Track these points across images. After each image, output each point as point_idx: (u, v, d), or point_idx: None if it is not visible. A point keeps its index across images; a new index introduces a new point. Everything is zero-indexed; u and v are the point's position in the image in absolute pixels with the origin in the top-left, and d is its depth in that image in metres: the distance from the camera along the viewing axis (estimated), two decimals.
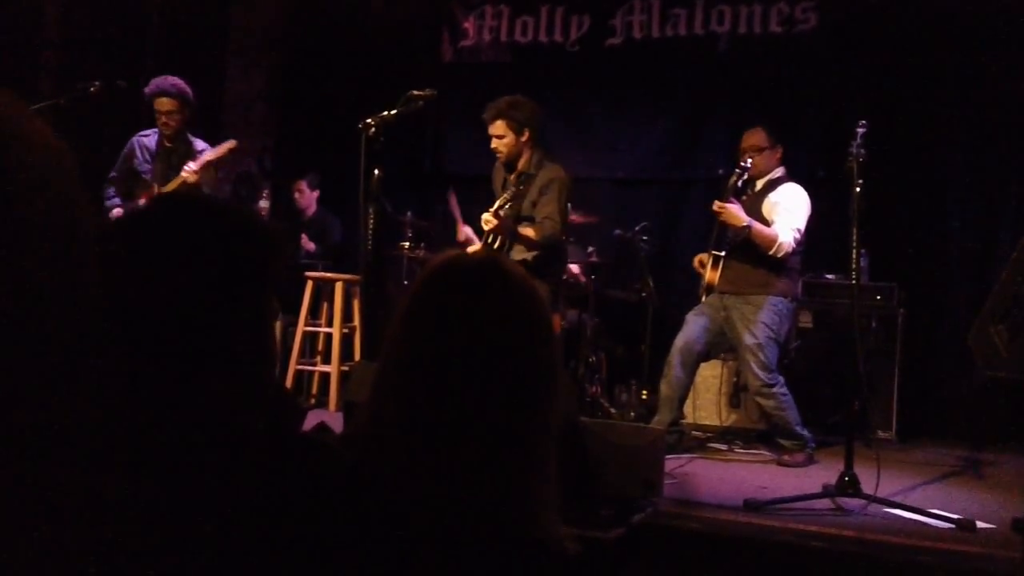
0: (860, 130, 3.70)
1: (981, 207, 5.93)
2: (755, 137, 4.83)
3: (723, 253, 4.70)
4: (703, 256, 4.86)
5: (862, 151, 3.66)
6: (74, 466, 1.09)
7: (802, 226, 4.65)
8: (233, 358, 1.16)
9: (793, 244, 4.60)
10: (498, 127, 4.50)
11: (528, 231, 4.42)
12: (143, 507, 1.04)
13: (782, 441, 4.70)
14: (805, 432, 4.65)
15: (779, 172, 4.83)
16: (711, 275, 4.74)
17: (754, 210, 4.68)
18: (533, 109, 4.56)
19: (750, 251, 4.64)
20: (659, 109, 6.79)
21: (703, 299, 4.87)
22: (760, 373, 4.60)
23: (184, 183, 4.87)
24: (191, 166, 4.86)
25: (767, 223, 4.64)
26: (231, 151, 4.95)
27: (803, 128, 6.27)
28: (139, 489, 1.05)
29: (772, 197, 4.72)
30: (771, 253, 4.57)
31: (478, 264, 1.23)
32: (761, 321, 4.62)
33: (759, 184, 4.81)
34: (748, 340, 4.63)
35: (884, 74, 5.97)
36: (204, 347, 1.13)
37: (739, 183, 4.67)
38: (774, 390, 4.61)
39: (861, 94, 5.90)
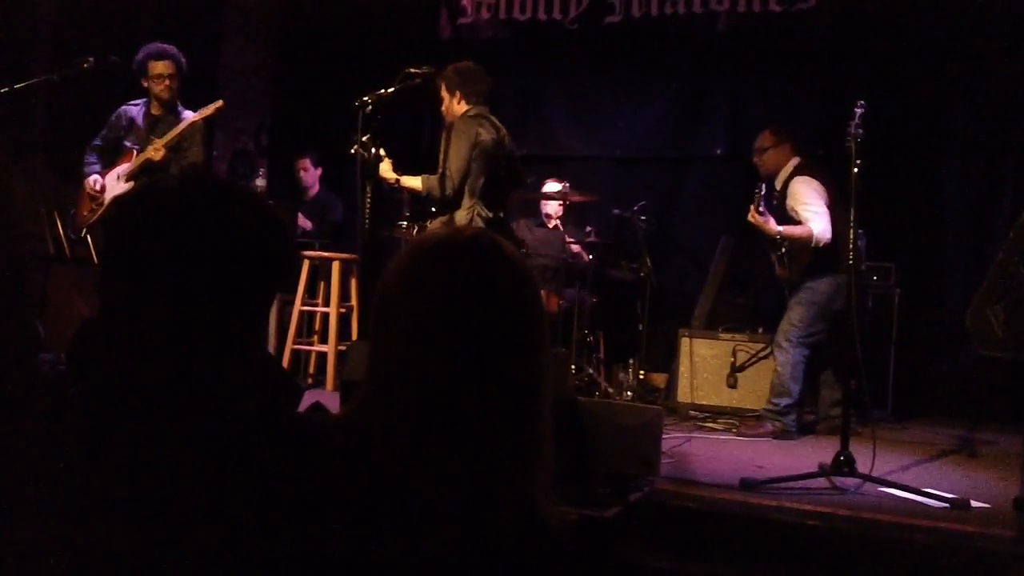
0: (858, 110, 3.70)
1: (978, 187, 5.93)
2: (759, 138, 5.10)
3: (782, 251, 4.87)
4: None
5: (860, 131, 3.66)
6: (65, 445, 1.08)
7: (825, 210, 4.75)
8: (235, 341, 1.16)
9: (828, 230, 4.70)
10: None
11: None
12: (138, 484, 1.04)
13: (766, 405, 4.88)
14: (787, 408, 4.77)
15: (791, 166, 4.97)
16: (781, 271, 4.97)
17: (783, 210, 4.87)
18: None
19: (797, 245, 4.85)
20: (658, 88, 6.77)
21: (786, 293, 5.03)
22: (785, 327, 4.82)
23: (148, 160, 4.83)
24: (156, 143, 4.82)
25: (798, 220, 4.79)
26: (218, 110, 4.91)
27: (802, 107, 6.26)
28: (133, 466, 1.04)
29: (788, 200, 4.87)
30: (812, 247, 4.72)
31: (474, 240, 1.22)
32: (810, 286, 4.81)
33: (778, 184, 4.99)
34: (793, 299, 4.86)
35: (883, 53, 5.95)
36: (208, 329, 1.13)
37: (762, 195, 4.79)
38: (787, 349, 4.78)
39: (860, 73, 5.88)
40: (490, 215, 4.41)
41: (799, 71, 6.26)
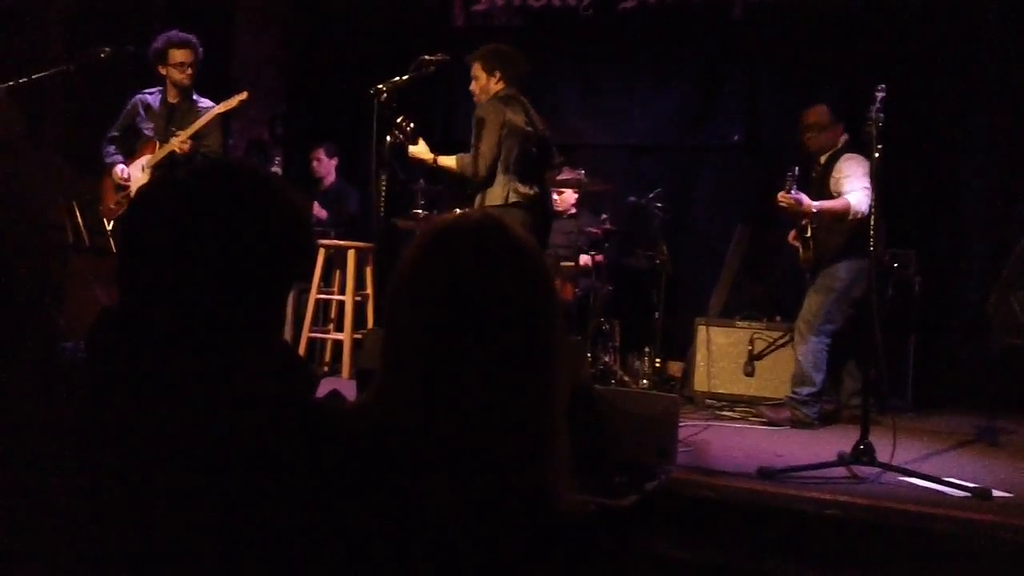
0: (879, 95, 3.65)
1: (1000, 174, 5.86)
2: (816, 115, 4.94)
3: (808, 234, 4.81)
4: (793, 237, 5.01)
5: (881, 116, 3.61)
6: (83, 432, 1.08)
7: (868, 184, 4.55)
8: (252, 329, 1.15)
9: (868, 203, 4.51)
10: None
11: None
12: (156, 471, 1.03)
13: (789, 394, 4.87)
14: (808, 397, 4.74)
15: (842, 142, 4.88)
16: (805, 255, 4.90)
17: (823, 185, 4.79)
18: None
19: (827, 225, 4.75)
20: (673, 75, 6.72)
21: (808, 277, 4.99)
22: (804, 316, 4.79)
23: (174, 152, 4.83)
24: (180, 135, 4.81)
25: (836, 196, 4.70)
26: (242, 102, 4.90)
27: (820, 93, 6.19)
28: (152, 453, 1.04)
29: (835, 173, 4.78)
30: (851, 219, 4.61)
31: (478, 224, 1.20)
32: (830, 272, 4.77)
33: (822, 159, 4.90)
34: (812, 286, 4.84)
35: (900, 39, 5.88)
36: (225, 316, 1.12)
37: (795, 178, 4.68)
38: (808, 337, 4.75)
39: (879, 58, 5.82)
40: (529, 191, 4.37)
41: (817, 56, 6.20)
